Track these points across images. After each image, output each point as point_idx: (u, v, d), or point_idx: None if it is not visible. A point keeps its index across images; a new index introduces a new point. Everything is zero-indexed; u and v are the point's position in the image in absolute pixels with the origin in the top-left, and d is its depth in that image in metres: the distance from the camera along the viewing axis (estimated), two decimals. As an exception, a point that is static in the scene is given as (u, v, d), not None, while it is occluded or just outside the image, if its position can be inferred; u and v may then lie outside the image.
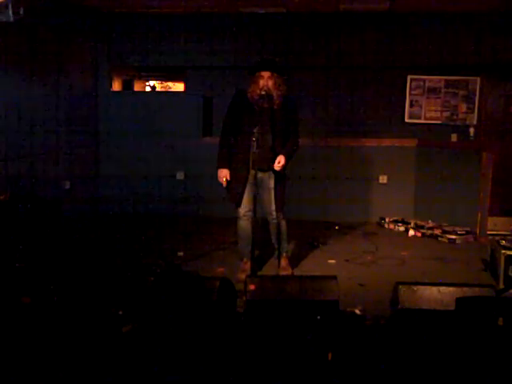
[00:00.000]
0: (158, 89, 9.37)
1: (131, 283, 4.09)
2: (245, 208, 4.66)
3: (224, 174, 4.66)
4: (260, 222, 4.82)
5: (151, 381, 2.93)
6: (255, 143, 4.32)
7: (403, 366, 3.00)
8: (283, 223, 4.82)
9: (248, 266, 4.68)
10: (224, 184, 4.68)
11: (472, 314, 3.08)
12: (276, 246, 4.92)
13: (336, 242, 6.13)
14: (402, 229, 6.65)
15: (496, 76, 6.86)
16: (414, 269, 5.17)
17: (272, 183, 4.67)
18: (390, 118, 7.06)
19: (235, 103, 4.73)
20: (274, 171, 4.61)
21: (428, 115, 7.00)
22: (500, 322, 2.98)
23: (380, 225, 6.89)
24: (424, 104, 6.98)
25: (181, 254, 5.46)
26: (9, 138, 5.39)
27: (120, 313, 3.54)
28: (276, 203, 4.69)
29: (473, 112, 6.87)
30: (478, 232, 6.26)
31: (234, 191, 4.70)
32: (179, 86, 9.02)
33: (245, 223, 4.70)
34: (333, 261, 5.41)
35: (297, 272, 4.96)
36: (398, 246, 6.00)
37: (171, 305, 3.47)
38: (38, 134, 5.89)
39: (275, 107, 4.58)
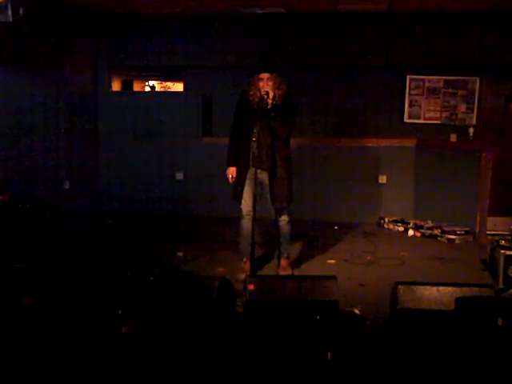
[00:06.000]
0: (157, 89, 9.39)
1: (131, 283, 4.09)
2: (247, 207, 4.66)
3: (231, 172, 4.82)
4: (261, 222, 4.83)
5: (151, 381, 2.93)
6: (255, 143, 4.36)
7: (403, 365, 3.00)
8: (285, 225, 4.83)
9: (248, 265, 4.68)
10: (230, 181, 4.83)
11: (471, 313, 3.08)
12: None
13: (336, 242, 6.13)
14: (401, 229, 6.65)
15: (495, 76, 6.86)
16: (414, 269, 5.17)
17: (269, 183, 4.69)
18: (390, 118, 7.07)
19: (240, 105, 4.78)
20: (273, 171, 4.63)
21: (427, 115, 7.00)
22: (499, 321, 2.98)
23: (379, 225, 6.90)
24: (423, 104, 6.99)
25: (181, 254, 5.46)
26: (9, 137, 5.39)
27: (120, 313, 3.55)
28: (276, 203, 4.70)
29: (472, 112, 6.87)
30: (477, 232, 6.26)
31: (235, 189, 4.79)
32: (178, 86, 9.03)
33: (247, 222, 4.69)
34: (332, 261, 5.41)
35: (296, 272, 4.96)
36: (397, 246, 6.00)
37: (171, 305, 3.47)
38: (38, 134, 5.89)
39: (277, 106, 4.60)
